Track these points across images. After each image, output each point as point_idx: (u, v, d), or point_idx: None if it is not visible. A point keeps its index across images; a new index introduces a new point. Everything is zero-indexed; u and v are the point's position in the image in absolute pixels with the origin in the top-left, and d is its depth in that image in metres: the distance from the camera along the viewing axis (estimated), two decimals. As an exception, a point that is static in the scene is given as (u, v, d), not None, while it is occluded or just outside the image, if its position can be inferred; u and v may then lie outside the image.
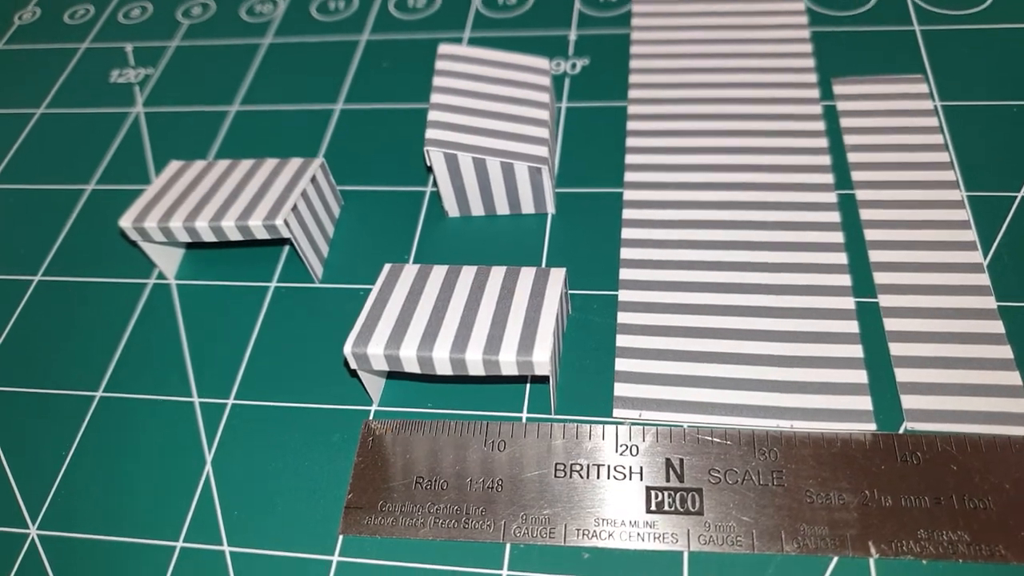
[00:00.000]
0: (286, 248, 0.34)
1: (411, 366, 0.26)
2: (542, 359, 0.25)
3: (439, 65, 0.34)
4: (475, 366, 0.26)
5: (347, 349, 0.26)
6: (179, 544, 0.27)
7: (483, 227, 0.34)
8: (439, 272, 0.29)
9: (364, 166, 0.37)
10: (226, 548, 0.26)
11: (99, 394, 0.31)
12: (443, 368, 0.26)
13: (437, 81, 0.33)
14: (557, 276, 0.28)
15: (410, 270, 0.29)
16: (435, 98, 0.32)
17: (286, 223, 0.30)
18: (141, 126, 0.41)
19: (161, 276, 0.34)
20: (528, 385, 0.29)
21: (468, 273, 0.28)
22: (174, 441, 0.29)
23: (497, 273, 0.28)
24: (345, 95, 0.40)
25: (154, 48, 0.45)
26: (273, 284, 0.33)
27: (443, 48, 0.35)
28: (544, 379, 0.28)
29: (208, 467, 0.28)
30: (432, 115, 0.32)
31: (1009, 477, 0.25)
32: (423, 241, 0.33)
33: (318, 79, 0.41)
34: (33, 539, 0.28)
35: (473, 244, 0.33)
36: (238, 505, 0.27)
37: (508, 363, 0.25)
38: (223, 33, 0.45)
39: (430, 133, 0.31)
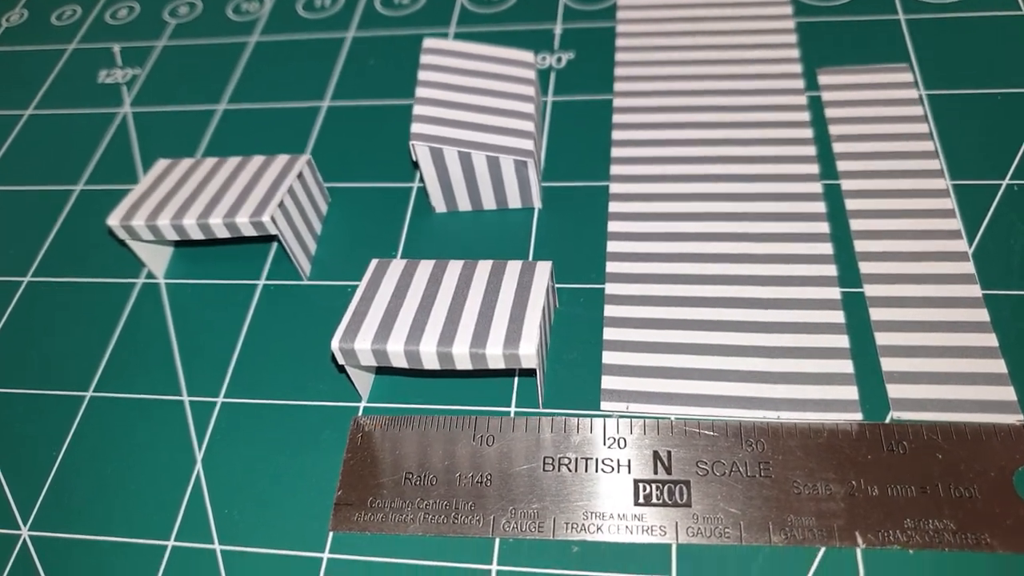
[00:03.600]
0: (274, 246, 0.34)
1: (399, 361, 0.26)
2: (529, 352, 0.25)
3: (424, 59, 0.34)
4: (462, 360, 0.26)
5: (335, 344, 0.26)
6: (170, 543, 0.27)
7: (470, 222, 0.34)
8: (426, 267, 0.29)
9: (351, 163, 0.37)
10: (217, 547, 0.27)
11: (89, 394, 0.31)
12: (430, 362, 0.26)
13: (422, 75, 0.33)
14: (543, 269, 0.28)
15: (397, 265, 0.29)
16: (420, 92, 0.32)
17: (273, 220, 0.30)
18: (129, 126, 0.41)
19: (150, 275, 0.34)
20: (516, 379, 0.29)
21: (455, 267, 0.28)
22: (164, 440, 0.29)
23: (483, 267, 0.28)
24: (332, 92, 0.40)
25: (141, 48, 0.45)
26: (262, 282, 0.33)
27: (428, 42, 0.35)
28: (532, 372, 0.28)
29: (199, 465, 0.28)
30: (417, 109, 0.32)
31: (995, 465, 0.25)
32: (410, 237, 0.34)
33: (305, 77, 0.41)
34: (25, 540, 0.28)
35: (460, 239, 0.33)
36: (229, 503, 0.27)
37: (495, 356, 0.26)
38: (210, 32, 0.45)
39: (415, 127, 0.31)
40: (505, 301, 0.27)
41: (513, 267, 0.28)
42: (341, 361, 0.27)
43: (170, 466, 0.28)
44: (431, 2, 0.44)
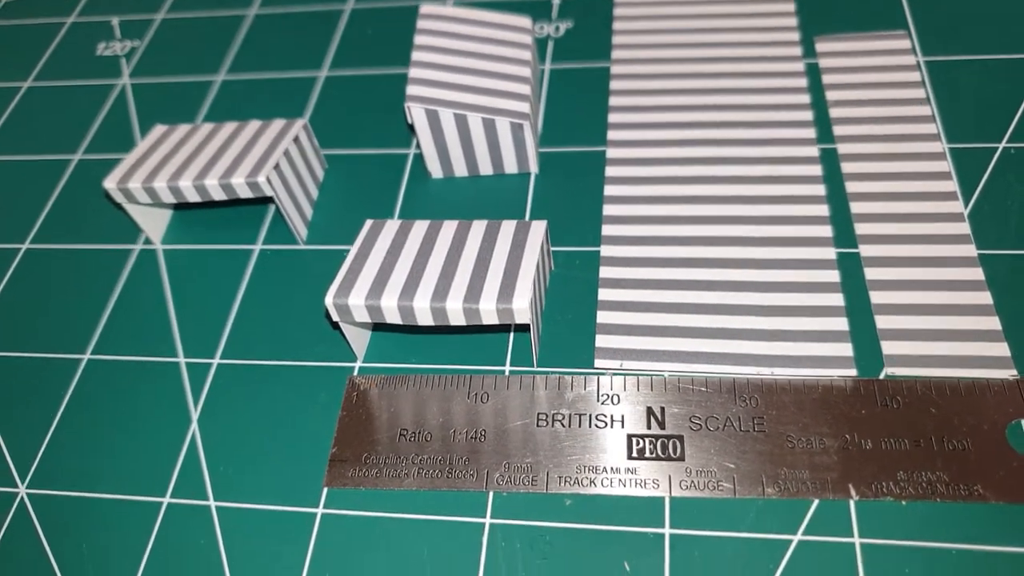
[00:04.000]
0: (271, 211, 0.34)
1: (392, 316, 0.26)
2: (522, 306, 0.25)
3: (420, 24, 0.34)
4: (456, 315, 0.26)
5: (328, 300, 0.26)
6: (166, 500, 0.27)
7: (466, 187, 0.34)
8: (420, 226, 0.29)
9: (348, 130, 0.37)
10: (212, 503, 0.27)
11: (87, 356, 0.31)
12: (424, 318, 0.26)
13: (418, 40, 0.33)
14: (538, 228, 0.28)
15: (392, 225, 0.29)
16: (416, 56, 0.32)
17: (268, 181, 0.30)
18: (128, 97, 0.41)
19: (147, 241, 0.34)
20: (511, 335, 0.29)
21: (449, 226, 0.29)
22: (161, 401, 0.29)
23: (478, 226, 0.28)
24: (330, 62, 0.40)
25: (140, 21, 0.45)
26: (258, 247, 0.33)
27: (424, 8, 0.35)
28: (526, 329, 0.29)
29: (194, 425, 0.28)
30: (413, 72, 0.32)
31: (988, 419, 0.25)
32: (407, 202, 0.34)
33: (303, 47, 0.41)
34: (22, 497, 0.28)
35: (456, 204, 0.33)
36: (224, 461, 0.27)
37: (488, 311, 0.26)
38: (209, 4, 0.45)
39: (411, 90, 0.31)
40: (499, 258, 0.27)
41: (508, 226, 0.28)
42: (335, 317, 0.27)
43: (166, 426, 0.29)
44: (429, -26, 0.44)
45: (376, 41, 0.40)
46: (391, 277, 0.27)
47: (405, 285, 0.26)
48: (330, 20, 0.42)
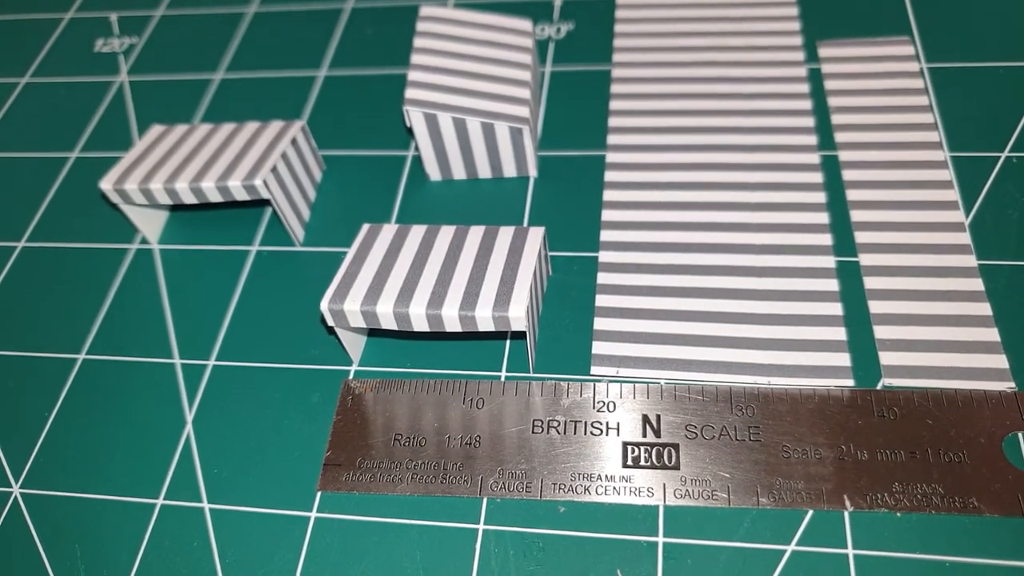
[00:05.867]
0: (268, 212, 0.34)
1: (388, 322, 0.26)
2: (518, 314, 0.25)
3: (420, 27, 0.34)
4: (452, 322, 0.26)
5: (324, 305, 0.26)
6: (159, 501, 0.27)
7: (465, 190, 0.34)
8: (417, 231, 0.29)
9: (347, 132, 0.37)
10: (206, 505, 0.27)
11: (82, 356, 0.31)
12: (420, 324, 0.26)
13: (418, 42, 0.33)
14: (535, 235, 0.28)
15: (388, 229, 0.29)
16: (415, 59, 0.32)
17: (265, 183, 0.30)
18: (125, 95, 0.40)
19: (144, 241, 0.34)
20: (508, 342, 0.29)
21: (447, 232, 0.28)
22: (155, 402, 0.29)
23: (476, 232, 0.28)
24: (329, 62, 0.40)
25: (139, 17, 0.44)
26: (255, 248, 0.33)
27: (424, 10, 0.34)
28: (523, 336, 0.28)
29: (189, 427, 0.28)
30: (412, 75, 0.32)
31: (984, 431, 0.25)
32: (405, 204, 0.33)
33: (302, 46, 0.41)
34: (16, 497, 0.28)
35: (454, 207, 0.33)
36: (218, 463, 0.27)
37: (484, 319, 0.25)
38: (208, 2, 0.44)
39: (410, 93, 0.31)
40: (496, 264, 0.27)
41: (505, 232, 0.28)
42: (331, 322, 0.27)
43: (160, 427, 0.29)
44: (429, -27, 0.43)
45: (376, 40, 0.40)
46: (387, 283, 0.27)
47: (401, 291, 0.26)
48: (329, 19, 0.42)
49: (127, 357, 0.31)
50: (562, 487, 0.25)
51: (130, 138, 0.38)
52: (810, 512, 0.24)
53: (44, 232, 0.35)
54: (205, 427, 0.28)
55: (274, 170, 0.31)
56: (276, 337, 0.30)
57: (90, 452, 0.28)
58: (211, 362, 0.30)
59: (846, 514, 0.24)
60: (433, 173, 0.34)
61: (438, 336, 0.29)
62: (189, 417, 0.29)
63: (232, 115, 0.38)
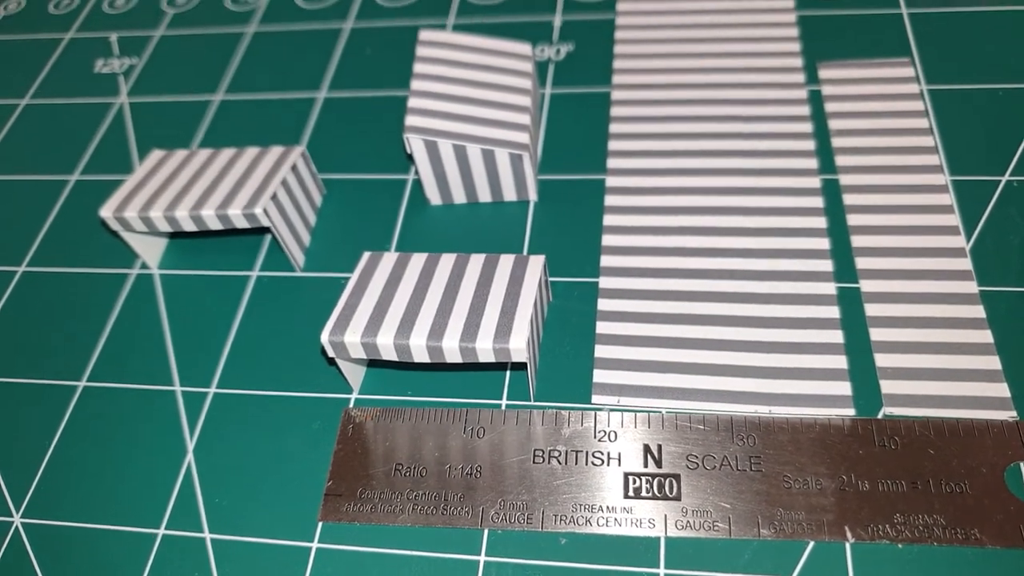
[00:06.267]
0: (268, 236, 0.34)
1: (389, 353, 0.26)
2: (519, 346, 0.25)
3: (420, 51, 0.34)
4: (452, 353, 0.26)
5: (324, 337, 0.26)
6: (161, 531, 0.27)
7: (465, 215, 0.34)
8: (418, 260, 0.29)
9: (347, 154, 0.37)
10: (207, 535, 0.27)
11: (83, 383, 0.31)
12: (420, 355, 0.26)
13: (417, 68, 0.33)
14: (536, 263, 0.28)
15: (389, 258, 0.29)
16: (415, 85, 0.32)
17: (265, 212, 0.30)
18: (125, 116, 0.40)
19: (144, 266, 0.34)
20: (508, 372, 0.29)
21: (447, 261, 0.28)
22: (157, 430, 0.29)
23: (476, 261, 0.28)
24: (329, 83, 0.40)
25: (139, 38, 0.44)
26: (255, 273, 0.33)
27: (424, 34, 0.34)
28: (523, 366, 0.28)
29: (190, 455, 0.28)
30: (412, 102, 0.32)
31: (986, 461, 0.25)
32: (405, 229, 0.33)
33: (302, 67, 0.41)
34: (17, 527, 0.28)
35: (455, 232, 0.33)
36: (219, 493, 0.27)
37: (485, 350, 0.25)
38: (208, 22, 0.44)
39: (410, 120, 0.31)
40: (497, 294, 0.27)
41: (506, 261, 0.28)
42: (331, 353, 0.27)
43: (162, 455, 0.29)
44: (429, -7, 0.43)
45: (375, 61, 0.40)
46: (387, 313, 0.27)
47: (402, 322, 0.26)
48: (329, 39, 0.42)
49: (128, 384, 0.31)
50: (563, 518, 0.25)
51: (130, 160, 0.38)
52: (811, 543, 0.24)
53: (45, 256, 0.35)
54: (206, 455, 0.28)
55: (274, 198, 0.31)
56: (276, 363, 0.30)
57: (92, 481, 0.28)
58: (212, 389, 0.30)
59: (847, 546, 0.24)
60: (433, 197, 0.34)
61: (438, 366, 0.29)
62: (190, 445, 0.29)
63: (232, 136, 0.38)
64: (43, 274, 0.35)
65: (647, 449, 0.26)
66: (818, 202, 0.31)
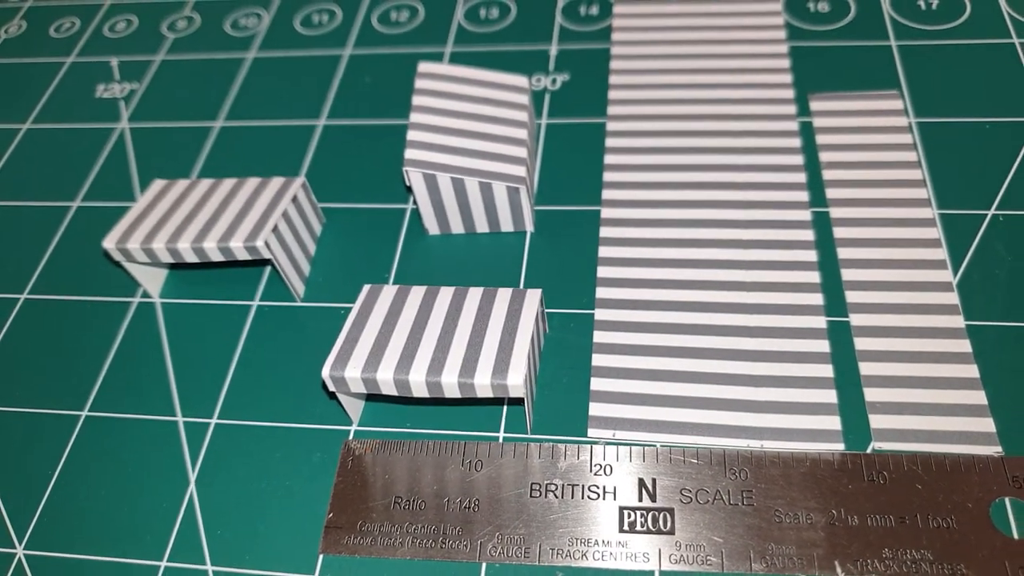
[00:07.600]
0: (269, 266, 0.35)
1: (388, 389, 0.27)
2: (516, 382, 0.26)
3: (418, 84, 0.34)
4: (451, 389, 0.26)
5: (325, 372, 0.27)
6: (163, 564, 0.27)
7: (463, 245, 0.34)
8: (417, 293, 0.29)
9: (346, 183, 0.37)
10: (209, 567, 0.27)
11: (84, 413, 0.31)
12: (419, 391, 0.27)
13: (416, 100, 0.33)
14: (533, 298, 0.29)
15: (388, 291, 0.29)
16: (414, 117, 0.33)
17: (267, 244, 0.30)
18: (126, 142, 0.41)
19: (146, 295, 0.34)
20: (505, 406, 0.29)
21: (445, 295, 0.29)
22: (158, 461, 0.30)
23: (474, 295, 0.29)
24: (328, 111, 0.40)
25: (139, 62, 0.45)
26: (255, 303, 0.34)
27: (423, 66, 0.35)
28: (520, 400, 0.29)
29: (192, 487, 0.29)
30: (411, 135, 0.32)
31: (972, 497, 0.25)
32: (404, 259, 0.34)
33: (302, 94, 0.41)
34: (20, 559, 0.28)
35: (453, 262, 0.33)
36: (221, 524, 0.28)
37: (483, 386, 0.26)
38: (208, 47, 0.45)
39: (409, 153, 0.31)
40: (494, 330, 0.27)
41: (503, 295, 0.29)
42: (332, 388, 0.27)
43: (164, 487, 0.29)
44: (427, 21, 0.44)
45: (374, 89, 0.41)
46: (387, 349, 0.27)
47: (401, 357, 0.27)
48: (328, 65, 0.42)
49: (130, 415, 0.31)
50: (560, 552, 0.26)
51: (131, 187, 0.39)
52: (802, 578, 0.25)
53: (46, 284, 0.36)
54: (208, 487, 0.29)
55: (275, 230, 0.31)
56: (277, 395, 0.31)
57: (94, 512, 0.29)
58: (214, 420, 0.30)
59: (837, 580, 0.24)
60: (432, 228, 0.34)
61: (437, 400, 0.29)
62: (192, 477, 0.29)
63: (232, 163, 0.38)
64: (45, 302, 0.35)
65: (641, 483, 0.27)
66: (809, 235, 0.32)
